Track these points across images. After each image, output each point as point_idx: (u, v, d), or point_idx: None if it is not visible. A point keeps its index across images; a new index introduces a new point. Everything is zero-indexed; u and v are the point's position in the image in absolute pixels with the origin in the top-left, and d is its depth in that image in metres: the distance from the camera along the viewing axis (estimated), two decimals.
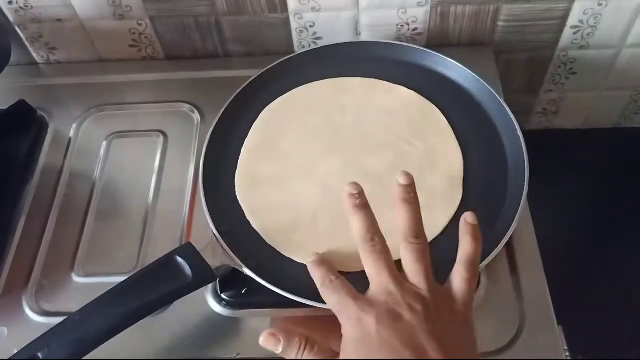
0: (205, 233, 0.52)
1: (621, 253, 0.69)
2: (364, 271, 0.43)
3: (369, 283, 0.41)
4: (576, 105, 0.77)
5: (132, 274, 0.45)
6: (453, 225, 0.50)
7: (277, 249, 0.50)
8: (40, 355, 0.40)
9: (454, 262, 0.42)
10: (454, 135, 0.55)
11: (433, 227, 0.50)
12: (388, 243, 0.42)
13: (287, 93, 0.60)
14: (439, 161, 0.54)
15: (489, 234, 0.49)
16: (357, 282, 0.42)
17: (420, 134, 0.56)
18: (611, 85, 0.73)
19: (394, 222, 0.43)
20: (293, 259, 0.49)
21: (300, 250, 0.49)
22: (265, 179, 0.54)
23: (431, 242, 0.48)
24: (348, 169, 0.54)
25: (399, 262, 0.42)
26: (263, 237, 0.51)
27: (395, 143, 0.55)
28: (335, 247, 0.49)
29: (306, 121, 0.58)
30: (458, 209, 0.51)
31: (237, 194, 0.53)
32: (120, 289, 0.43)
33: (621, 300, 0.67)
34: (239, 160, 0.56)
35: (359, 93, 0.60)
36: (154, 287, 0.44)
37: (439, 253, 0.43)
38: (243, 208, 0.53)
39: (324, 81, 0.61)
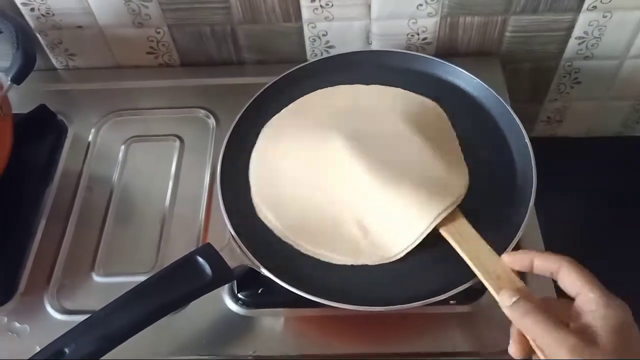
0: (221, 235, 0.53)
1: (623, 257, 0.71)
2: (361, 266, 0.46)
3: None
4: (580, 114, 0.79)
5: (150, 274, 0.47)
6: None
7: (294, 247, 0.51)
8: (67, 350, 0.42)
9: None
10: (458, 144, 0.56)
11: None
12: None
13: (291, 104, 0.61)
14: (445, 169, 0.54)
15: (496, 240, 0.50)
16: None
17: (427, 140, 0.56)
18: (614, 95, 0.75)
19: None
20: (310, 255, 0.50)
21: (315, 246, 0.50)
22: (278, 182, 0.55)
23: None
24: (354, 173, 0.54)
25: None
26: (278, 235, 0.51)
27: (400, 149, 0.55)
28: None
29: (314, 123, 0.58)
30: (465, 215, 0.51)
31: (252, 194, 0.54)
32: (143, 287, 0.44)
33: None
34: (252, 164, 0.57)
35: (367, 99, 0.60)
36: (175, 285, 0.45)
37: (449, 265, 0.45)
38: (257, 208, 0.53)
39: (318, 91, 0.61)
